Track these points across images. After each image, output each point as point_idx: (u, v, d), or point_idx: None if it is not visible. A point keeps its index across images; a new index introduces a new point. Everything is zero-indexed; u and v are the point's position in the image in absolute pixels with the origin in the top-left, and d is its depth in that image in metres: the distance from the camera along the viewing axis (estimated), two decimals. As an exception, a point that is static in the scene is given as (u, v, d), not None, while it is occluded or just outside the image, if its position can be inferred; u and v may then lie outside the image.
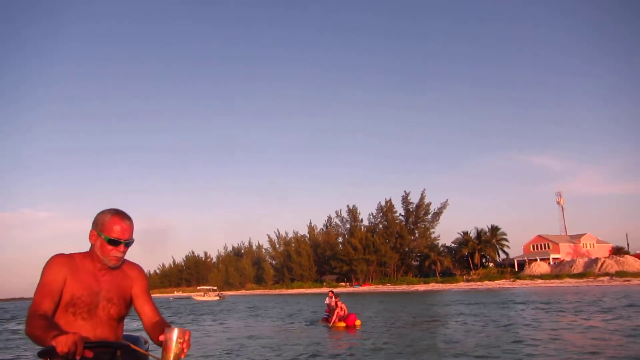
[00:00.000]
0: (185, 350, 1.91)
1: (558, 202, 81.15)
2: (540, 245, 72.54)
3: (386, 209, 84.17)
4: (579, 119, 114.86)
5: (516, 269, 69.81)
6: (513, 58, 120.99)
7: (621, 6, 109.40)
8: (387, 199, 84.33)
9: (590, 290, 38.25)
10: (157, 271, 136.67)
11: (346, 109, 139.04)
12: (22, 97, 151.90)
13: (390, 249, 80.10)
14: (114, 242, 2.14)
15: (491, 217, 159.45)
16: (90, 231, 2.18)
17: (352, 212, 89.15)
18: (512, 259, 73.21)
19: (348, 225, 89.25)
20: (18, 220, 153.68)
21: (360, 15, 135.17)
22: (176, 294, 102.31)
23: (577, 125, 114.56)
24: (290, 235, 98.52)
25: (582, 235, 73.36)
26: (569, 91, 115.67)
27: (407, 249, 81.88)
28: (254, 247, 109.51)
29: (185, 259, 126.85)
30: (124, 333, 2.43)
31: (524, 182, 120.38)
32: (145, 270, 2.40)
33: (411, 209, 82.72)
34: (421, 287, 65.57)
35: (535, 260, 68.74)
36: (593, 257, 64.00)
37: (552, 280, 57.81)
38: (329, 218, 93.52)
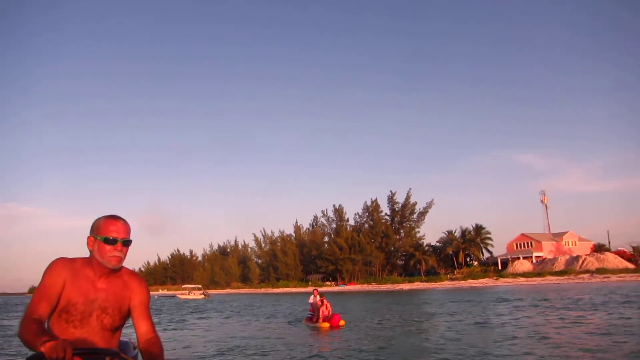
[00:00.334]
0: None
1: (542, 201, 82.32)
2: (524, 243, 73.52)
3: (372, 209, 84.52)
4: (564, 117, 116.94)
5: (500, 268, 70.65)
6: (498, 57, 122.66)
7: (604, 6, 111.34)
8: (373, 199, 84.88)
9: (571, 287, 38.93)
10: (142, 269, 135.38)
11: (333, 110, 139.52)
12: (20, 94, 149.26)
13: (375, 249, 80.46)
14: (111, 241, 2.15)
15: (476, 215, 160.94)
16: (87, 238, 2.19)
17: (338, 211, 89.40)
18: (496, 258, 74.07)
19: (334, 225, 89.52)
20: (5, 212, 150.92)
21: (353, 14, 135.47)
22: (161, 292, 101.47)
23: (562, 124, 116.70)
24: (277, 234, 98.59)
25: (565, 233, 74.54)
26: (554, 90, 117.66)
27: (392, 248, 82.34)
28: (240, 246, 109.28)
29: (170, 256, 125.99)
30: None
31: (509, 180, 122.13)
32: (130, 268, 2.36)
33: (397, 209, 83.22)
34: (406, 286, 66.03)
35: (519, 258, 69.70)
36: (575, 255, 65.13)
37: (534, 278, 58.71)
38: (315, 217, 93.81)
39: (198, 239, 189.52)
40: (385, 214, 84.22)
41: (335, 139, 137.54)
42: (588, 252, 66.82)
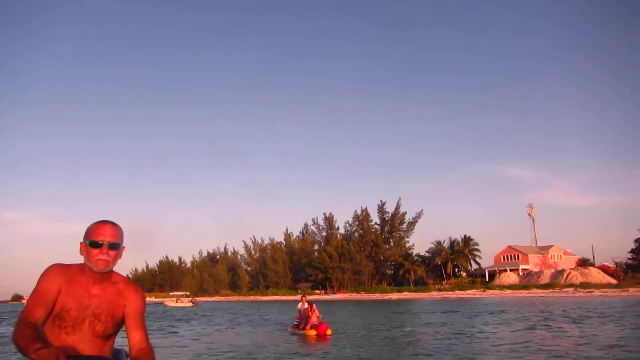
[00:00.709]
0: None
1: (529, 214, 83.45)
2: (511, 256, 74.46)
3: (362, 218, 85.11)
4: (552, 130, 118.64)
5: (487, 279, 71.42)
6: (489, 68, 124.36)
7: (598, 18, 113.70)
8: (363, 208, 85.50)
9: (556, 300, 39.63)
10: (130, 275, 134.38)
11: (324, 117, 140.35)
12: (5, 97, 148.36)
13: (365, 258, 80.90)
14: (96, 244, 2.15)
15: (464, 226, 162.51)
16: (80, 244, 2.20)
17: (329, 220, 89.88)
18: (484, 269, 74.84)
19: (324, 233, 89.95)
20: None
21: (344, 21, 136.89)
22: (148, 299, 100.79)
23: (551, 137, 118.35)
24: (267, 241, 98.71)
25: (550, 247, 75.63)
26: (543, 103, 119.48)
27: (382, 258, 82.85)
28: (230, 253, 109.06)
29: (159, 263, 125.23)
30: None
31: (497, 192, 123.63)
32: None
33: (387, 218, 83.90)
34: (394, 296, 66.47)
35: (505, 270, 70.53)
36: (560, 269, 66.10)
37: (520, 291, 59.46)
38: (306, 225, 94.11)
39: (187, 246, 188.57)
40: (375, 223, 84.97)
41: (326, 147, 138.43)
42: (573, 266, 67.84)
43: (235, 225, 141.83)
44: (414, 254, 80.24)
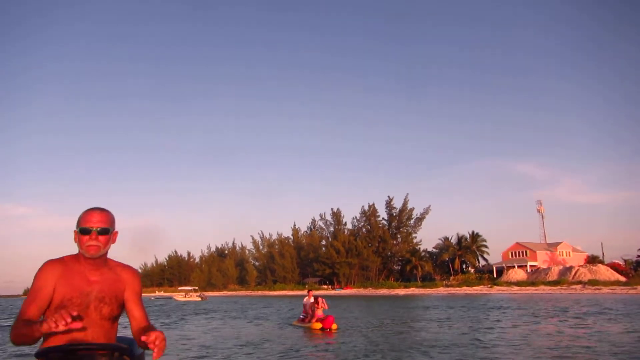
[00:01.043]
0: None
1: (538, 210, 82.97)
2: (519, 252, 74.17)
3: (369, 213, 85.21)
4: (563, 126, 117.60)
5: (495, 276, 71.26)
6: (498, 64, 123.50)
7: (601, 14, 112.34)
8: (371, 204, 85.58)
9: (563, 297, 39.50)
10: (140, 270, 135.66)
11: (331, 112, 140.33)
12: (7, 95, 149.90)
13: (372, 253, 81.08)
14: (86, 231, 2.19)
15: (473, 222, 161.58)
16: (74, 232, 2.25)
17: (336, 215, 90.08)
18: (492, 265, 74.66)
19: (332, 229, 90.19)
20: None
21: (351, 17, 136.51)
22: (157, 293, 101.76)
23: (561, 133, 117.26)
24: (274, 237, 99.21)
25: (559, 243, 75.17)
26: (554, 98, 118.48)
27: (389, 253, 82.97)
28: (238, 248, 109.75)
29: (167, 258, 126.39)
30: (118, 335, 2.42)
31: (506, 188, 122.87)
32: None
33: (394, 214, 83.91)
34: (401, 292, 66.56)
35: (513, 267, 70.32)
36: (568, 266, 65.77)
37: (527, 287, 59.29)
38: (313, 221, 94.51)
39: (196, 241, 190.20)
40: (383, 218, 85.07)
41: (335, 142, 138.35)
42: (582, 263, 67.41)
43: (243, 220, 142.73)
44: (421, 249, 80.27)
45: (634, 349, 10.15)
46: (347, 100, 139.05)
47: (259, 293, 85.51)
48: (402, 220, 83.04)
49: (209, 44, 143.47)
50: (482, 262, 76.24)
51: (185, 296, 68.89)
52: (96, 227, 2.20)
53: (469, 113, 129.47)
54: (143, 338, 2.01)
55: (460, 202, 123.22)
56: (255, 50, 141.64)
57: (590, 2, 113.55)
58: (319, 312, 16.29)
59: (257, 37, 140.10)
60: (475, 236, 74.48)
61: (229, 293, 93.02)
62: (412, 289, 69.30)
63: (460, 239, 74.67)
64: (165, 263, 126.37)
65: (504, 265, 72.63)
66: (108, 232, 2.23)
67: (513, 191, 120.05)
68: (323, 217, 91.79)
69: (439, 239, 78.07)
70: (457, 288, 64.66)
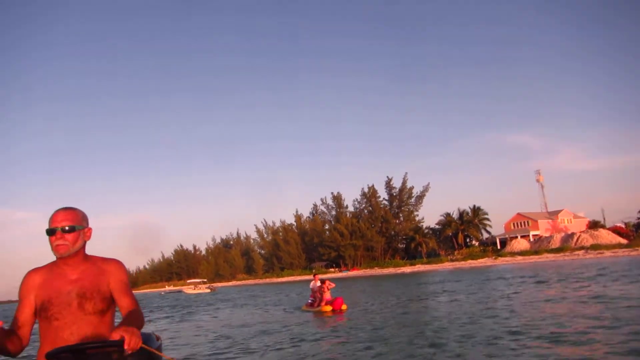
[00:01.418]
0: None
1: (537, 180, 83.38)
2: (520, 222, 74.84)
3: (370, 195, 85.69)
4: (556, 95, 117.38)
5: (498, 247, 72.02)
6: (490, 37, 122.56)
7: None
8: (370, 185, 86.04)
9: (566, 264, 40.13)
10: (147, 266, 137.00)
11: (326, 97, 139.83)
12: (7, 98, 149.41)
13: (376, 233, 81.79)
14: (50, 232, 2.21)
15: (473, 197, 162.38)
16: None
17: (337, 199, 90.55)
18: (495, 237, 75.40)
19: (334, 212, 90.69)
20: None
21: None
22: (167, 288, 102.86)
23: (554, 102, 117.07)
24: (278, 224, 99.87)
25: (560, 211, 75.78)
26: (544, 68, 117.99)
27: (392, 233, 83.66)
28: (242, 238, 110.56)
29: (174, 252, 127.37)
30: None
31: (505, 161, 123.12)
32: (134, 266, 2.75)
33: (394, 194, 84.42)
34: (407, 269, 67.38)
35: (516, 237, 71.05)
36: (570, 232, 66.46)
37: (531, 256, 60.06)
38: (315, 206, 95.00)
39: (200, 234, 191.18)
40: (384, 199, 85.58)
41: (330, 127, 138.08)
42: (583, 229, 68.10)
43: (246, 210, 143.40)
44: (424, 227, 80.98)
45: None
46: (341, 84, 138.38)
47: (267, 281, 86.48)
48: (402, 199, 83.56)
49: (203, 35, 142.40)
50: (486, 235, 77.04)
51: (194, 288, 69.61)
52: (60, 226, 2.21)
53: (462, 89, 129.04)
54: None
55: (459, 178, 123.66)
56: (256, 37, 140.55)
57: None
58: (327, 295, 16.46)
59: (250, 24, 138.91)
60: (476, 210, 75.05)
61: (238, 283, 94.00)
62: (418, 266, 70.10)
63: (462, 214, 75.26)
64: (172, 257, 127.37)
65: (506, 236, 73.34)
66: (73, 229, 2.23)
67: (511, 163, 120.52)
68: (324, 201, 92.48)
69: (441, 215, 78.78)
70: (462, 262, 65.44)
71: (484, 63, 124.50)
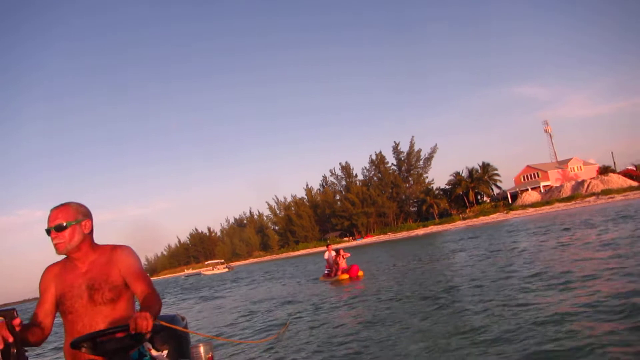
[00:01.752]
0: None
1: (546, 131, 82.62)
2: (530, 175, 74.57)
3: (378, 162, 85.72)
4: (558, 43, 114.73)
5: (510, 201, 72.06)
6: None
7: None
8: (377, 152, 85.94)
9: (577, 211, 40.16)
10: (164, 252, 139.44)
11: (327, 66, 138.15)
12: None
13: (387, 199, 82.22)
14: (47, 232, 2.28)
15: (482, 154, 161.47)
16: None
17: (346, 168, 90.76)
18: (505, 192, 75.32)
19: (344, 182, 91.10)
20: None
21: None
22: (187, 271, 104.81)
23: (558, 50, 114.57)
24: (289, 199, 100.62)
25: (569, 160, 75.24)
26: (545, 17, 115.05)
27: (403, 197, 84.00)
28: (256, 216, 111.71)
29: (190, 236, 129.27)
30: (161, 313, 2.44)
31: (511, 114, 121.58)
32: (152, 254, 2.77)
33: (402, 158, 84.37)
34: (420, 232, 67.93)
35: (527, 190, 70.95)
36: (580, 180, 66.17)
37: (542, 207, 60.11)
38: (324, 177, 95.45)
39: (214, 216, 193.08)
40: (392, 164, 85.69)
41: (334, 96, 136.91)
42: (594, 176, 67.70)
43: (256, 188, 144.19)
44: (434, 188, 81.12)
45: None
46: (338, 54, 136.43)
47: (284, 255, 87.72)
48: (411, 162, 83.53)
49: (202, 28, 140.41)
50: (496, 191, 77.03)
51: (212, 269, 70.92)
52: (52, 226, 2.26)
53: (463, 46, 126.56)
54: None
55: (466, 136, 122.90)
56: (260, 15, 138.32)
57: None
58: (343, 264, 16.64)
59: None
60: (485, 166, 74.84)
61: (255, 260, 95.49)
62: (430, 227, 70.58)
63: (471, 172, 75.11)
64: (189, 241, 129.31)
65: (517, 189, 73.25)
66: (63, 226, 2.25)
67: (518, 115, 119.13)
68: (333, 172, 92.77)
69: (451, 175, 78.73)
70: (475, 219, 65.72)
71: (483, 17, 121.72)
